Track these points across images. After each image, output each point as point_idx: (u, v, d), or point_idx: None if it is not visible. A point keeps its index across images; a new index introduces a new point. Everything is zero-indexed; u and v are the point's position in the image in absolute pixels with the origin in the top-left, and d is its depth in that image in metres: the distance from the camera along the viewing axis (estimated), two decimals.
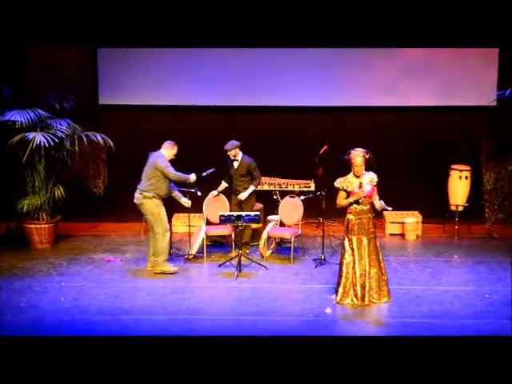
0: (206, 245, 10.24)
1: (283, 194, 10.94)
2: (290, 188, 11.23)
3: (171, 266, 9.52)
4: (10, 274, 9.44)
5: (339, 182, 8.38)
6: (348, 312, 8.20)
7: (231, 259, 9.83)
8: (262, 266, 9.74)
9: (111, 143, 10.79)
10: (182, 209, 10.31)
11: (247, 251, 10.27)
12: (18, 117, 10.21)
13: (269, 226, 10.25)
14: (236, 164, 10.35)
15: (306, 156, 11.40)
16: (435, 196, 11.62)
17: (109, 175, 11.51)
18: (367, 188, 8.31)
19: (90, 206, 11.71)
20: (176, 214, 11.46)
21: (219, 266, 9.79)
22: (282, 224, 10.51)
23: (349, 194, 8.32)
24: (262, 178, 10.83)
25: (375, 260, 8.37)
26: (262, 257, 10.15)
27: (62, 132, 10.44)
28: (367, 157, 8.31)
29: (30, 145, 10.17)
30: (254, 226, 10.37)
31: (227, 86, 11.81)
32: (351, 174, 8.35)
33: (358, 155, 8.27)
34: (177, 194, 9.74)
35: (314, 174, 11.28)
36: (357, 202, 8.31)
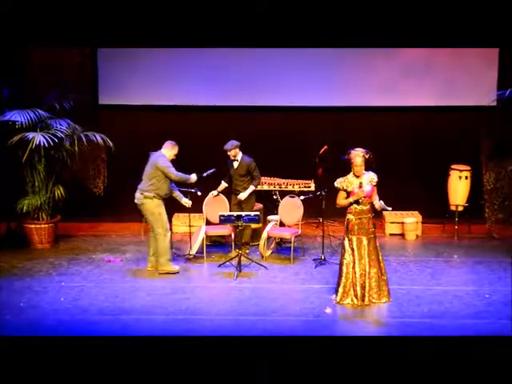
0: (206, 245, 10.24)
1: (283, 193, 10.93)
2: (289, 188, 11.22)
3: (175, 266, 9.53)
4: (9, 273, 9.43)
5: (339, 182, 8.38)
6: (348, 312, 8.19)
7: (231, 259, 9.83)
8: (261, 266, 9.73)
9: (111, 143, 10.79)
10: (182, 209, 10.31)
11: (247, 251, 10.27)
12: (18, 117, 10.21)
13: (269, 226, 10.24)
14: (236, 164, 10.35)
15: (306, 156, 11.39)
16: (435, 196, 11.62)
17: (109, 175, 11.51)
18: (367, 188, 8.31)
19: (90, 206, 11.71)
20: (176, 214, 11.47)
21: (219, 266, 9.79)
22: (281, 224, 10.51)
23: (349, 193, 8.33)
24: (262, 178, 10.83)
25: (375, 260, 8.37)
26: (262, 257, 10.15)
27: (61, 132, 10.44)
28: (367, 157, 8.31)
29: (30, 145, 10.17)
30: (253, 226, 10.36)
31: (227, 86, 11.80)
32: (351, 173, 8.35)
33: (357, 155, 8.27)
34: (177, 195, 9.74)
35: (314, 174, 11.27)
36: (357, 202, 8.31)
